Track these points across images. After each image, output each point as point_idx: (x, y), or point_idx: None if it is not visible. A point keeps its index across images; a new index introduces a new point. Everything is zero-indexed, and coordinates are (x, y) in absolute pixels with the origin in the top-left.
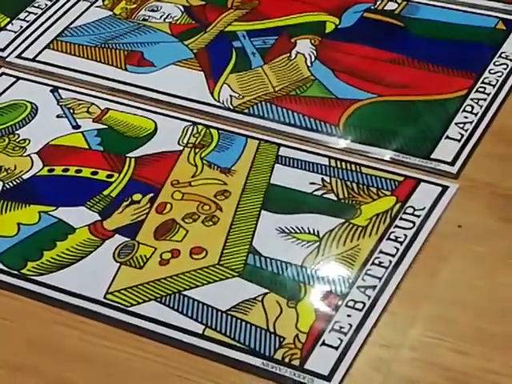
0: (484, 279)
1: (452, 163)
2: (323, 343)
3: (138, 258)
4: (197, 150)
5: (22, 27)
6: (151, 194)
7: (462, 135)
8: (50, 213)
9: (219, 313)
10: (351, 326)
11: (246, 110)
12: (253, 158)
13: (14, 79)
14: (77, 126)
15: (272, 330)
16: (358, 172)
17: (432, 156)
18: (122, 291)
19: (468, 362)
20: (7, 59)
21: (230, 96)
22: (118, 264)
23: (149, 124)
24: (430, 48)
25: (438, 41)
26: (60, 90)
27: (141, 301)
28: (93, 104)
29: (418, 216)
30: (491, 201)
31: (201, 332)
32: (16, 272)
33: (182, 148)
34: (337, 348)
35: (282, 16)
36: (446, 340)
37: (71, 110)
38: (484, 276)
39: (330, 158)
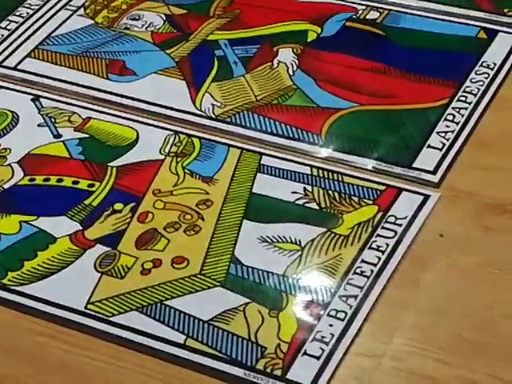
0: (466, 288)
1: (433, 172)
2: (305, 353)
3: (119, 267)
4: (179, 159)
5: (2, 36)
6: (133, 204)
7: (444, 144)
8: (31, 222)
9: (201, 323)
10: (333, 335)
11: (228, 119)
12: (235, 167)
13: None
14: (58, 135)
15: (254, 339)
16: (340, 181)
17: (414, 165)
18: (103, 301)
19: (450, 371)
20: None
21: (212, 105)
22: (100, 274)
23: (130, 133)
24: (412, 57)
25: (419, 50)
26: (41, 99)
27: (122, 311)
28: (74, 113)
29: (400, 225)
30: (473, 209)
31: (182, 342)
32: None
33: (163, 157)
34: (318, 358)
35: (264, 25)
36: (427, 349)
37: (52, 119)
38: (466, 285)
39: (312, 167)
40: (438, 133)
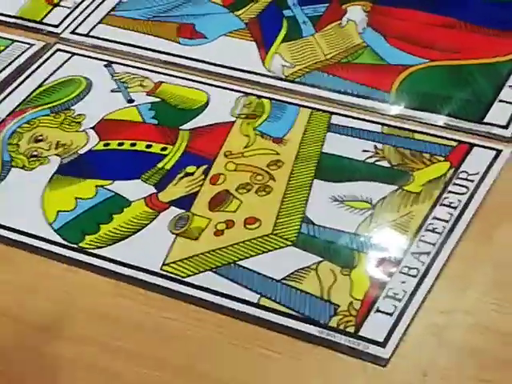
0: None
1: (505, 127)
2: (378, 310)
3: (192, 229)
4: (249, 121)
5: (75, 3)
6: (205, 166)
7: None
8: (107, 187)
9: (274, 282)
10: (405, 292)
11: (298, 79)
12: (305, 127)
13: (69, 55)
14: (131, 100)
15: (326, 297)
16: (411, 138)
17: (485, 120)
18: (178, 262)
19: None
20: (62, 35)
21: (282, 65)
22: (174, 236)
23: (201, 96)
24: (483, 11)
25: (490, 4)
26: (114, 65)
27: (197, 272)
28: (146, 78)
29: (472, 181)
30: None
31: (256, 301)
32: (74, 245)
33: (234, 119)
34: (391, 314)
35: None
36: (502, 305)
37: (125, 85)
38: None
39: (382, 124)
40: (510, 86)
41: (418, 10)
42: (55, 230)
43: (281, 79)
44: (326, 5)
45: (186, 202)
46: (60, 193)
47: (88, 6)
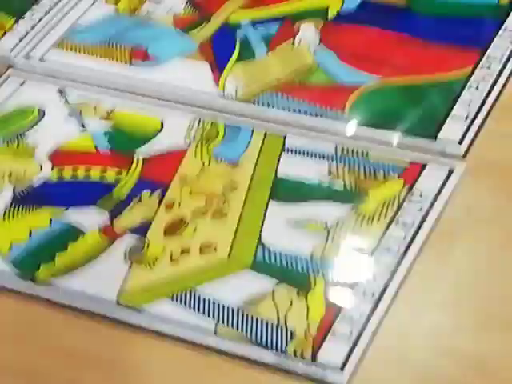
0: (494, 260)
1: (459, 143)
2: (334, 334)
3: (148, 256)
4: (203, 145)
5: (27, 28)
6: (160, 192)
7: (469, 113)
8: (61, 216)
9: (230, 308)
10: (362, 315)
11: (252, 101)
12: (259, 149)
13: (21, 81)
14: (84, 127)
15: (283, 323)
16: (365, 158)
17: (439, 137)
18: (134, 291)
19: (483, 346)
20: (14, 61)
21: (235, 87)
22: (129, 264)
23: (155, 121)
24: (434, 26)
25: (441, 18)
26: (67, 91)
27: (152, 300)
28: (99, 103)
29: (426, 199)
30: (500, 179)
31: (213, 329)
32: (29, 277)
33: (188, 143)
34: (348, 338)
35: (284, 2)
36: (460, 324)
37: (78, 111)
38: (494, 256)
39: (336, 144)
40: (462, 102)
41: (370, 26)
42: (9, 262)
43: (234, 100)
44: (279, 24)
45: (140, 229)
46: (13, 224)
47: (40, 30)
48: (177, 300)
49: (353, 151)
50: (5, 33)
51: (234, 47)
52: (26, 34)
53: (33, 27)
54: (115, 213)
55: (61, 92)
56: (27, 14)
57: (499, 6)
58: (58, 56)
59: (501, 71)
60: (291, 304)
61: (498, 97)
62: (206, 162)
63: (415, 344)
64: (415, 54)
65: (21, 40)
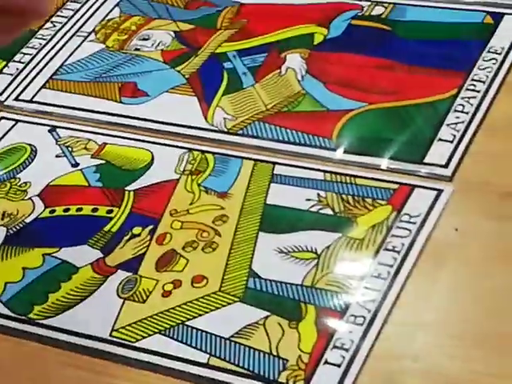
0: (484, 281)
1: (445, 166)
2: (326, 362)
3: (140, 291)
4: (193, 177)
5: (18, 69)
6: (151, 226)
7: (455, 136)
8: (54, 254)
9: (222, 340)
10: (353, 341)
11: (240, 132)
12: (249, 180)
13: (13, 122)
14: (75, 164)
15: (275, 352)
16: (353, 184)
17: (425, 160)
18: (127, 327)
19: (474, 368)
20: (5, 103)
21: (224, 118)
22: (122, 300)
23: (146, 155)
24: (418, 50)
25: (425, 41)
26: (58, 129)
27: (146, 335)
28: (90, 140)
29: (414, 223)
30: (487, 200)
31: (205, 361)
32: (23, 317)
33: (178, 176)
34: (339, 366)
35: (270, 32)
36: (449, 347)
37: (69, 149)
38: (484, 278)
39: (324, 171)
40: (448, 125)
41: (354, 53)
42: (3, 303)
43: (223, 132)
44: (265, 54)
45: (133, 264)
46: (7, 264)
47: (31, 71)
48: (169, 334)
49: (341, 177)
50: None
51: (222, 79)
52: (17, 75)
53: (23, 69)
54: (107, 250)
55: (51, 131)
56: (17, 56)
57: (483, 25)
58: (48, 95)
59: (486, 92)
60: (283, 333)
61: (483, 118)
62: (196, 195)
63: (406, 369)
64: (400, 78)
65: (11, 82)
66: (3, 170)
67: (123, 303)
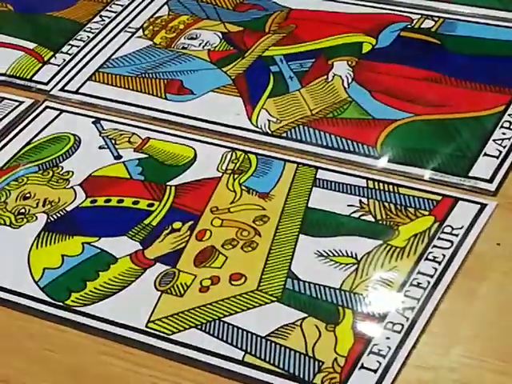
0: None
1: (490, 180)
2: (362, 366)
3: (178, 285)
4: (235, 176)
5: (64, 60)
6: (191, 222)
7: (500, 152)
8: (93, 243)
9: (259, 338)
10: (390, 348)
11: (284, 134)
12: (291, 182)
13: (58, 112)
14: (118, 157)
15: (311, 354)
16: (396, 193)
17: (470, 174)
18: (164, 319)
19: (509, 382)
20: (51, 92)
21: (268, 120)
22: (159, 292)
23: (188, 152)
24: (467, 65)
25: (474, 57)
26: (102, 121)
27: (182, 329)
28: (134, 134)
29: (456, 235)
30: None
31: (241, 358)
32: (60, 303)
33: (220, 174)
34: (375, 371)
35: (318, 39)
36: (486, 361)
37: (113, 141)
38: None
39: (367, 179)
40: (494, 140)
41: (402, 64)
42: (41, 288)
43: (267, 134)
44: (312, 60)
45: (171, 258)
46: (46, 250)
47: (77, 63)
48: (205, 329)
49: (384, 186)
50: (43, 65)
51: (268, 82)
52: (63, 66)
53: (70, 60)
54: (147, 242)
55: (96, 123)
56: (64, 48)
57: None
58: (93, 88)
59: None
60: (320, 335)
61: None
62: (237, 194)
63: (441, 379)
64: (448, 92)
65: (58, 72)
66: (46, 158)
67: (160, 296)
